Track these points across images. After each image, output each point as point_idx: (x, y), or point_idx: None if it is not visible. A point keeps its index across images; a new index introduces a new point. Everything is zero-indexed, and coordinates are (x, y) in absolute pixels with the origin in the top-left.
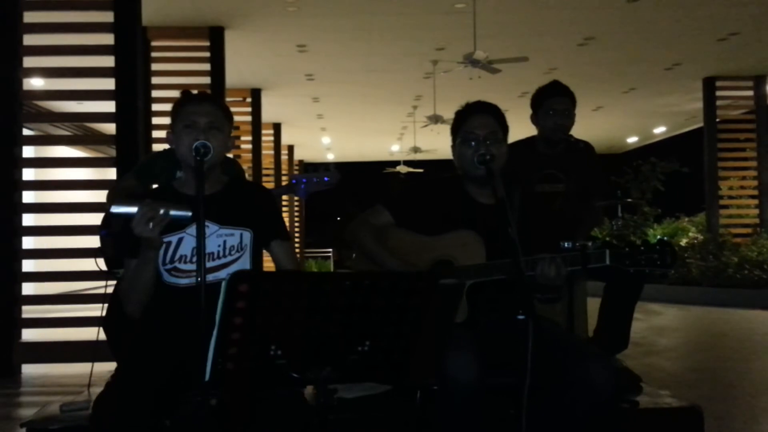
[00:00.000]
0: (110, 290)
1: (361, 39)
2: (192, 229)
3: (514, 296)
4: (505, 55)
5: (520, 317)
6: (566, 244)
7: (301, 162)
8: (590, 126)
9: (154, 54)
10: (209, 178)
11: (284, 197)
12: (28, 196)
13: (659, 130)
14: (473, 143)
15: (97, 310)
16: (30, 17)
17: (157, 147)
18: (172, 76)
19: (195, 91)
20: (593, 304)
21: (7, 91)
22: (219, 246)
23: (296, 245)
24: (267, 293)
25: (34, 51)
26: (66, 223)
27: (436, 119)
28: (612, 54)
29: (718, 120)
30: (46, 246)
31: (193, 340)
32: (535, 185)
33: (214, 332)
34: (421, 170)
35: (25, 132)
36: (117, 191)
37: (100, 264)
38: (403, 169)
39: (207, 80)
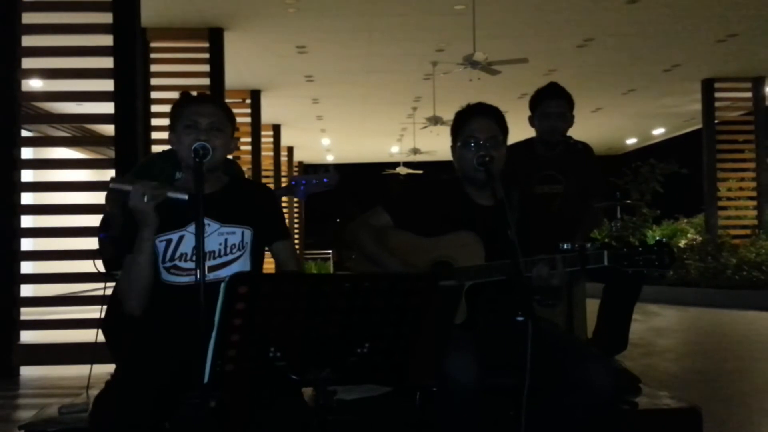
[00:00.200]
0: (109, 292)
1: (361, 40)
2: (192, 227)
3: (514, 297)
4: (504, 57)
5: (520, 318)
6: (565, 246)
7: (300, 163)
8: (589, 127)
9: (153, 55)
10: (210, 179)
11: (284, 198)
12: (27, 198)
13: (658, 132)
14: (473, 147)
15: (96, 311)
16: (29, 18)
17: (156, 148)
18: (171, 78)
19: (194, 93)
20: (592, 306)
21: (6, 92)
22: (220, 244)
23: (296, 246)
24: (266, 295)
25: (33, 52)
26: (65, 225)
27: (435, 120)
28: (611, 55)
29: (716, 121)
30: (45, 248)
31: (192, 340)
32: (534, 186)
33: (213, 334)
34: (420, 171)
35: (24, 133)
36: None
37: (99, 266)
38: (402, 170)
39: (206, 81)
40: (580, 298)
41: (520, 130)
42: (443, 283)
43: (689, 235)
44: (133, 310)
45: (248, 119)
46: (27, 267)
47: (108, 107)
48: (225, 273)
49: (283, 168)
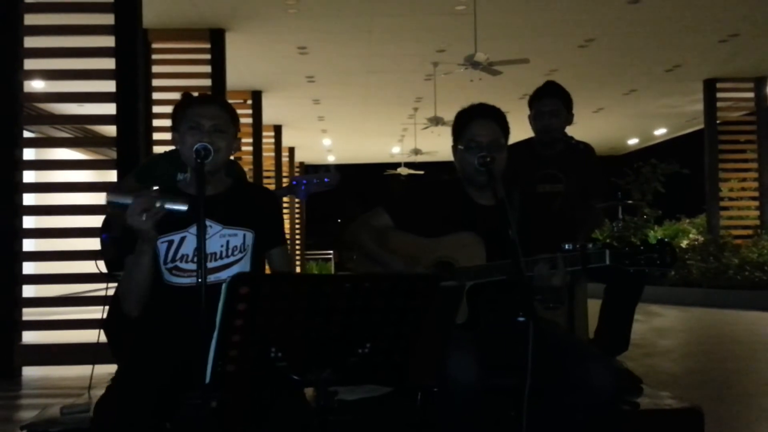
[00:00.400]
0: (111, 292)
1: (362, 41)
2: (194, 229)
3: (515, 298)
4: (505, 57)
5: (521, 319)
6: (567, 246)
7: (301, 164)
8: (591, 128)
9: (154, 56)
10: (213, 180)
11: (285, 198)
12: (29, 199)
13: (660, 132)
14: (476, 150)
15: (97, 312)
16: (31, 20)
17: (158, 149)
18: (172, 79)
19: (195, 94)
20: (594, 306)
21: (8, 93)
22: (222, 246)
23: (297, 247)
24: (267, 295)
25: (35, 53)
26: (66, 226)
27: (436, 121)
28: (612, 55)
29: (718, 122)
30: (47, 248)
31: (193, 341)
32: (535, 185)
33: (215, 334)
34: (421, 172)
35: (26, 134)
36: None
37: (101, 266)
38: (403, 170)
39: (208, 82)
40: (582, 298)
41: (521, 130)
42: (444, 283)
43: (691, 236)
44: (130, 311)
45: (249, 120)
46: (29, 267)
47: (110, 108)
48: (226, 275)
49: (285, 168)
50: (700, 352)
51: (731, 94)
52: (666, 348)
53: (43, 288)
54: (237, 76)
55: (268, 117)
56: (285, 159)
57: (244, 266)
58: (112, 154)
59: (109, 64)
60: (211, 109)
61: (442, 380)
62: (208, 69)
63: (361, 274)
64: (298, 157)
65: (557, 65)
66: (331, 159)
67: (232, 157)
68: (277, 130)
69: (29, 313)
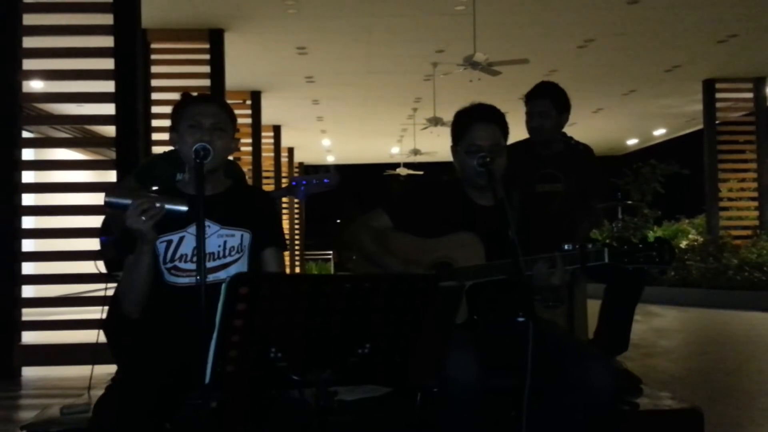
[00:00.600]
0: (110, 293)
1: (361, 41)
2: (193, 229)
3: (514, 297)
4: (505, 57)
5: (521, 319)
6: (566, 246)
7: (301, 164)
8: (590, 128)
9: (153, 56)
10: (212, 179)
11: (284, 199)
12: (28, 199)
13: (659, 132)
14: (476, 153)
15: (97, 312)
16: (30, 20)
17: (157, 149)
18: (171, 79)
19: (194, 94)
20: (593, 306)
21: (7, 93)
22: (219, 246)
23: (296, 247)
24: (267, 295)
25: (34, 53)
26: (66, 226)
27: (436, 121)
28: (612, 56)
29: (717, 122)
30: (46, 248)
31: (193, 341)
32: (534, 185)
33: (214, 335)
34: (421, 172)
35: (25, 134)
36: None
37: (100, 267)
38: (403, 171)
39: (207, 82)
40: (582, 298)
41: (520, 130)
42: (444, 283)
43: (690, 236)
44: (130, 312)
45: (248, 120)
46: (28, 268)
47: (109, 108)
48: (224, 275)
49: (284, 169)
50: (699, 352)
51: (730, 95)
52: (666, 348)
53: (42, 288)
54: (236, 77)
55: (268, 117)
56: (284, 159)
57: (241, 266)
58: (112, 154)
59: (108, 64)
60: (211, 108)
61: (442, 380)
62: (207, 69)
63: (361, 274)
64: (298, 158)
65: (557, 65)
66: (330, 159)
67: (231, 158)
68: (277, 130)
69: (29, 314)
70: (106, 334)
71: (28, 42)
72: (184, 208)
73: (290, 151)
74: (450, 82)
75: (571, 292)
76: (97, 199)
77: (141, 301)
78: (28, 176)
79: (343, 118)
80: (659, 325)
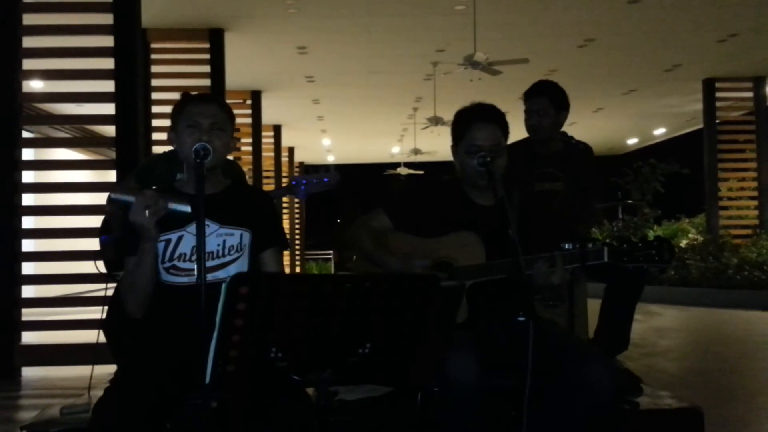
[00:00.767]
0: (110, 293)
1: (362, 41)
2: (192, 228)
3: (515, 297)
4: (505, 57)
5: (521, 318)
6: (567, 246)
7: (301, 164)
8: (590, 127)
9: (153, 56)
10: (211, 179)
11: (284, 199)
12: (28, 199)
13: (659, 132)
14: (476, 154)
15: (97, 312)
16: (29, 19)
17: (157, 149)
18: (171, 79)
19: (195, 93)
20: (594, 306)
21: (7, 93)
22: (218, 245)
23: (297, 247)
24: (267, 295)
25: (34, 53)
26: (66, 226)
27: (436, 121)
28: (612, 55)
29: (717, 121)
30: (46, 248)
31: (193, 341)
32: (533, 184)
33: (215, 334)
34: (421, 172)
35: (25, 134)
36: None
37: (100, 267)
38: (403, 170)
39: (207, 82)
40: (582, 298)
41: (520, 129)
42: (444, 283)
43: (690, 235)
44: (134, 313)
45: (249, 120)
46: (28, 268)
47: (109, 108)
48: (223, 274)
49: (284, 169)
50: (699, 351)
51: (730, 94)
52: (666, 348)
53: (42, 288)
54: (236, 76)
55: (268, 117)
56: (284, 159)
57: (240, 265)
58: (112, 154)
59: (108, 64)
60: (210, 108)
61: (442, 380)
62: (207, 69)
63: (362, 274)
64: (298, 157)
65: (557, 65)
66: (330, 159)
67: (231, 157)
68: (277, 130)
69: (29, 314)
70: (106, 334)
71: (28, 42)
72: (188, 209)
73: (290, 150)
74: (450, 81)
75: (572, 291)
76: (98, 199)
77: (144, 301)
78: (28, 176)
79: (343, 118)
80: (659, 325)
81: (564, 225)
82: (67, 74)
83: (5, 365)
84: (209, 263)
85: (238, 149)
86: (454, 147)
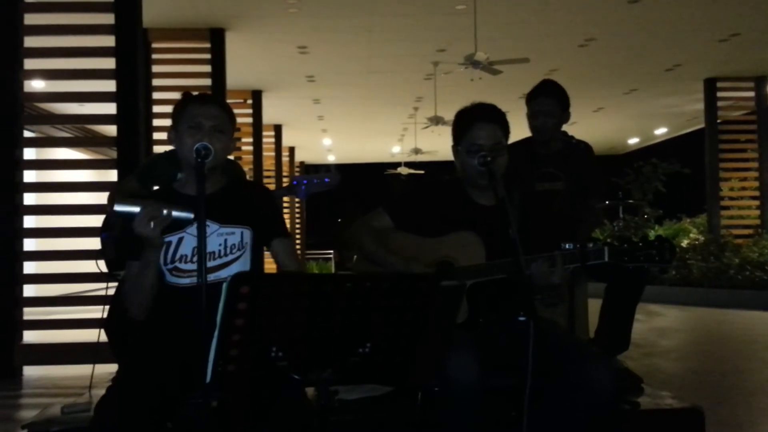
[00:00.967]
0: (111, 292)
1: (362, 40)
2: (192, 229)
3: (515, 297)
4: (506, 57)
5: (521, 318)
6: (567, 246)
7: (302, 163)
8: (591, 127)
9: (154, 56)
10: (210, 179)
11: (285, 198)
12: (29, 198)
13: (660, 132)
14: (477, 153)
15: (98, 311)
16: (31, 19)
17: (158, 149)
18: (172, 78)
19: (195, 93)
20: (594, 306)
21: (8, 92)
22: (220, 245)
23: (297, 247)
24: (268, 295)
25: (35, 53)
26: (67, 225)
27: (437, 120)
28: (613, 55)
29: (719, 121)
30: (47, 248)
31: (194, 341)
32: (534, 184)
33: (215, 334)
34: (422, 172)
35: (26, 134)
36: (118, 193)
37: (101, 266)
38: (404, 170)
39: (208, 82)
40: (582, 297)
41: (521, 129)
42: (444, 283)
43: (692, 235)
44: (137, 316)
45: (249, 120)
46: (29, 267)
47: (110, 108)
48: (225, 273)
49: (285, 168)
50: (700, 351)
51: (731, 94)
52: (666, 348)
53: (43, 287)
54: (237, 76)
55: (268, 117)
56: (285, 159)
57: (243, 264)
58: (113, 153)
59: (109, 63)
60: (212, 109)
61: (443, 380)
62: (208, 69)
63: (362, 274)
64: (299, 157)
65: (557, 65)
66: (331, 159)
67: (231, 157)
68: (277, 129)
69: (30, 313)
70: (107, 334)
71: (30, 41)
72: (190, 216)
73: (291, 150)
74: (451, 81)
75: (572, 291)
76: (98, 198)
77: (147, 304)
78: (29, 176)
79: (344, 118)
80: (660, 325)
81: (564, 225)
82: (68, 74)
83: (6, 364)
84: (211, 263)
85: (239, 149)
86: (455, 147)
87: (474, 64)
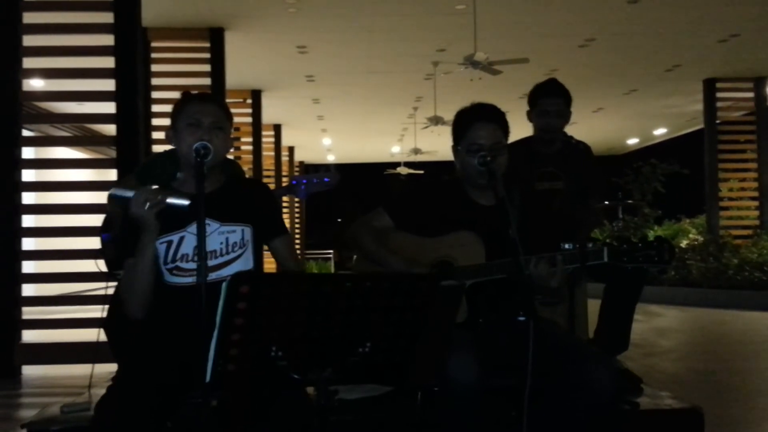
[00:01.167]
0: (110, 291)
1: (362, 40)
2: (193, 228)
3: (515, 297)
4: (505, 57)
5: (521, 318)
6: (567, 246)
7: (301, 163)
8: (591, 127)
9: (154, 55)
10: (209, 178)
11: (284, 198)
12: (29, 197)
13: (660, 132)
14: (477, 153)
15: (97, 311)
16: (30, 18)
17: (158, 148)
18: (172, 77)
19: (194, 92)
20: (594, 306)
21: (7, 91)
22: (221, 243)
23: (297, 246)
24: (268, 294)
25: (34, 52)
26: (66, 225)
27: (436, 120)
28: (612, 55)
29: (718, 121)
30: (47, 247)
31: (195, 340)
32: (534, 184)
33: (215, 333)
34: (421, 171)
35: (25, 133)
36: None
37: (101, 265)
38: (403, 170)
39: (207, 81)
40: (582, 298)
41: (521, 129)
42: (444, 282)
43: (691, 236)
44: (135, 314)
45: (249, 119)
46: (29, 266)
47: (109, 107)
48: (227, 272)
49: (284, 168)
50: (700, 352)
51: (731, 94)
52: (666, 348)
53: (42, 287)
54: (236, 76)
55: (268, 116)
56: (285, 158)
57: (245, 262)
58: (112, 153)
59: (108, 62)
60: (210, 108)
61: (443, 380)
62: (207, 68)
63: (362, 274)
64: (298, 157)
65: (557, 65)
66: (330, 158)
67: (231, 156)
68: (277, 129)
69: (29, 312)
70: (107, 333)
71: (29, 40)
72: (186, 202)
73: (291, 150)
74: (451, 81)
75: (572, 291)
76: (98, 197)
77: (145, 302)
78: (28, 175)
79: (343, 117)
80: (660, 325)
81: (564, 225)
82: (67, 73)
83: (6, 364)
84: (213, 262)
85: (238, 149)
86: (455, 146)
87: (474, 64)
